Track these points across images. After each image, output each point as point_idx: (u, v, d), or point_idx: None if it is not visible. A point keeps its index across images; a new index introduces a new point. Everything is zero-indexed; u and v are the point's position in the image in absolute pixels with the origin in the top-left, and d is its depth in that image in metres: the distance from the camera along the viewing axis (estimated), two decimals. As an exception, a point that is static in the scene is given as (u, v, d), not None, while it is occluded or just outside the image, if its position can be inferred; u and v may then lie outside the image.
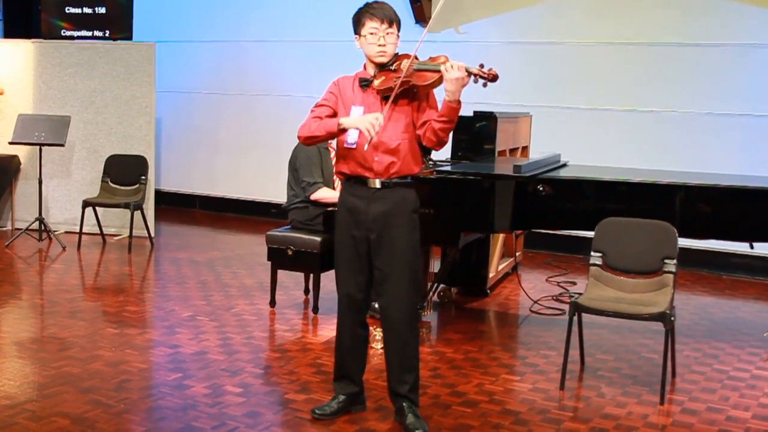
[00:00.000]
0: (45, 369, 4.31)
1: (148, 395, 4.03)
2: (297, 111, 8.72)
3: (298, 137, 3.66)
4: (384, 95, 3.53)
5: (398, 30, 3.57)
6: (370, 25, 3.52)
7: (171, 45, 9.49)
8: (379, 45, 3.52)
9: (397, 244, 3.57)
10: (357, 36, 3.60)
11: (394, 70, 3.53)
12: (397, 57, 3.57)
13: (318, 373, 4.37)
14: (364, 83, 3.58)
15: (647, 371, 4.58)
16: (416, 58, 3.51)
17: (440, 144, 3.55)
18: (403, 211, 3.59)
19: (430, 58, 3.52)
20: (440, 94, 3.45)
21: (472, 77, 3.38)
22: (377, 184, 3.57)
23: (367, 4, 3.59)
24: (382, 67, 3.56)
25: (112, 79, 8.02)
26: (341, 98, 3.64)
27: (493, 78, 3.36)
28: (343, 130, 3.56)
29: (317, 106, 3.67)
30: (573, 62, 7.73)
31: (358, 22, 3.58)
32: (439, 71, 3.41)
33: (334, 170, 5.43)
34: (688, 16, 7.27)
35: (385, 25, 3.51)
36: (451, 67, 3.35)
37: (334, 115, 3.63)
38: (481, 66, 3.39)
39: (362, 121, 3.44)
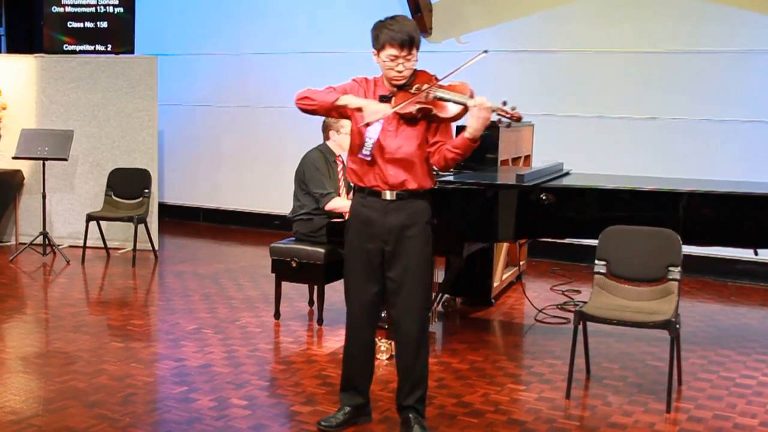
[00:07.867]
0: (50, 383, 4.31)
1: (153, 409, 4.03)
2: (299, 123, 8.73)
3: (296, 97, 3.53)
4: (402, 117, 3.47)
5: (418, 48, 3.44)
6: (390, 51, 3.39)
7: (173, 58, 9.51)
8: (398, 71, 3.44)
9: (412, 255, 3.56)
10: (375, 52, 3.47)
11: (413, 93, 3.42)
12: (415, 75, 3.47)
13: (323, 384, 4.36)
14: (384, 99, 3.49)
15: (653, 379, 4.57)
16: (437, 79, 3.43)
17: (446, 169, 3.61)
18: (419, 221, 3.58)
19: (450, 84, 3.41)
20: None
21: (495, 115, 3.31)
22: (392, 195, 3.55)
23: (387, 21, 3.43)
24: (399, 87, 3.48)
25: (115, 92, 8.05)
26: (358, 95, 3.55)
27: (518, 119, 3.31)
28: (340, 106, 3.45)
29: (330, 87, 3.57)
30: (573, 70, 7.74)
31: (377, 40, 3.44)
32: (464, 105, 3.33)
33: (341, 182, 5.49)
34: (687, 24, 7.28)
35: (405, 51, 3.39)
36: (482, 106, 3.28)
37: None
38: (504, 103, 3.33)
39: (371, 105, 3.38)
